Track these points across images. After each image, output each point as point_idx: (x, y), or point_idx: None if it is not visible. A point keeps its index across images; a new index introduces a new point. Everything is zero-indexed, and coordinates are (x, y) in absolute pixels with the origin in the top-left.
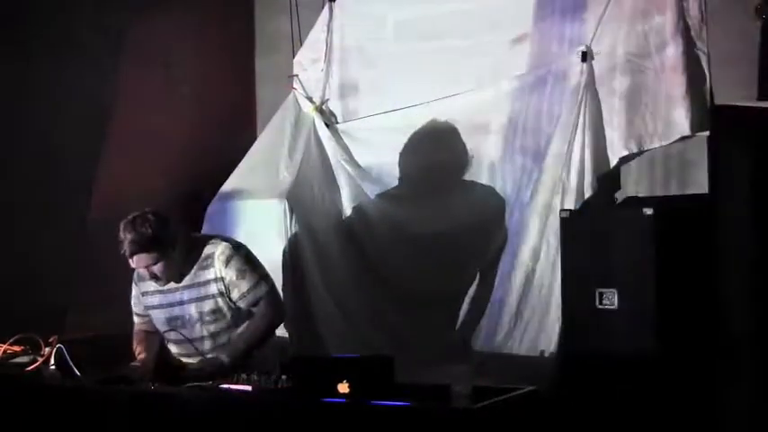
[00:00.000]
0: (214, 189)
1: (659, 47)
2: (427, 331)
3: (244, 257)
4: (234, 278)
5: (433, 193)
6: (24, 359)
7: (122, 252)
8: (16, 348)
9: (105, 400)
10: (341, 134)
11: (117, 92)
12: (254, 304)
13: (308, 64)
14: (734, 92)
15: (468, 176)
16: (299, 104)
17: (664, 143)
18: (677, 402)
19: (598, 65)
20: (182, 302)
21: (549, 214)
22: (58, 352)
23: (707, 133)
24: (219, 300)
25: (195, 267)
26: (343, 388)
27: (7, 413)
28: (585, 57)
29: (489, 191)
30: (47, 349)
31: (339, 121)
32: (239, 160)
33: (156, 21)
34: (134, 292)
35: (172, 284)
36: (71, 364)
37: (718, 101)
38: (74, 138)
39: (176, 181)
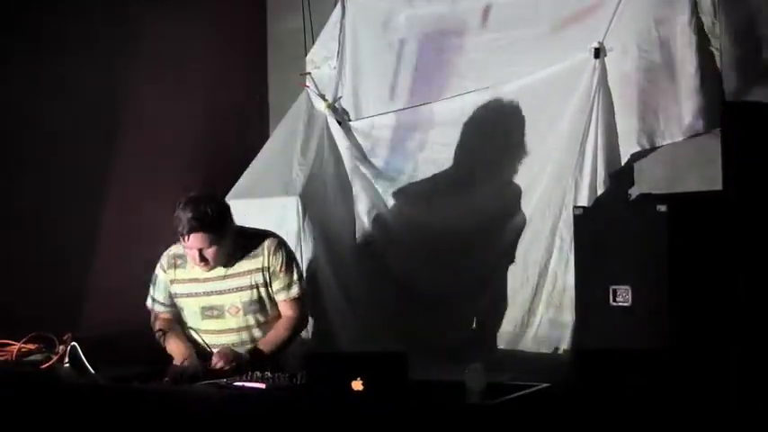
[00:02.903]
0: (227, 187)
1: (672, 43)
2: (441, 328)
3: (289, 251)
4: (277, 268)
5: (448, 191)
6: (38, 357)
7: (178, 229)
8: (30, 346)
9: (120, 398)
10: (354, 132)
11: (129, 88)
12: (289, 299)
13: (320, 61)
14: (747, 88)
15: (481, 174)
16: (311, 102)
17: (677, 139)
18: (691, 399)
19: (611, 61)
20: (221, 292)
21: (562, 211)
22: (73, 350)
23: (720, 129)
24: (262, 290)
25: (241, 257)
26: (357, 385)
27: (22, 411)
28: (598, 53)
29: (504, 187)
30: (61, 347)
31: (352, 118)
32: (252, 158)
33: (168, 18)
34: (161, 277)
35: (210, 273)
36: (85, 361)
37: (732, 97)
38: (85, 134)
39: (188, 178)
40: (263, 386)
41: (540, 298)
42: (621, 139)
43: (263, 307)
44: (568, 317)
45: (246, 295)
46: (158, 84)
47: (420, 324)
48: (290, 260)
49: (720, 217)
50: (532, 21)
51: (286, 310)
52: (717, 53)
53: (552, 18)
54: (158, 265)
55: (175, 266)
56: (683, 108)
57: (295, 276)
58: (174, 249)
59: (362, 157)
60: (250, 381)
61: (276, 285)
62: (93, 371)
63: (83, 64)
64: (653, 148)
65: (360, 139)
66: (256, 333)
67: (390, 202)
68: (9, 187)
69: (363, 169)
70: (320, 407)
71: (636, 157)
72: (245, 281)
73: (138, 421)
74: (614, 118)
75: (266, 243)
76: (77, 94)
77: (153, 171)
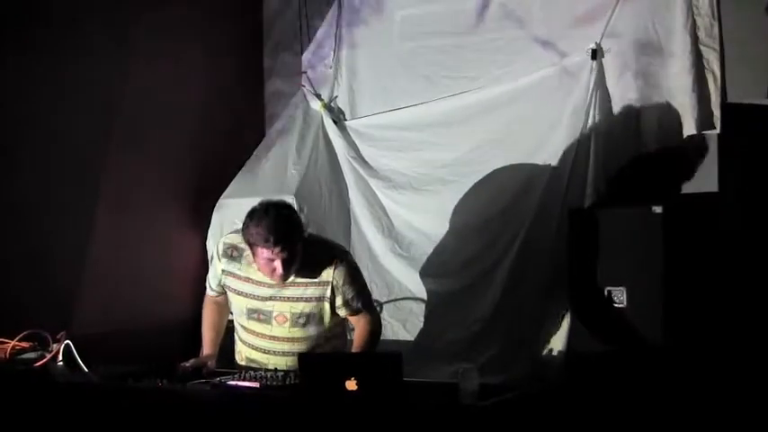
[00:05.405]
0: (222, 186)
1: (669, 44)
2: (436, 328)
3: (353, 262)
4: (341, 282)
5: (443, 191)
6: (32, 355)
7: (259, 239)
8: (24, 344)
9: (113, 396)
10: (349, 131)
11: (124, 86)
12: (355, 312)
13: (316, 61)
14: (744, 89)
15: (478, 175)
16: (307, 101)
17: (673, 141)
18: (686, 401)
19: (608, 63)
20: (272, 298)
21: (558, 212)
22: (66, 348)
23: (717, 131)
24: (318, 304)
25: (300, 267)
26: (351, 385)
27: (15, 409)
28: (596, 54)
29: (500, 188)
30: (55, 345)
31: (347, 118)
32: (248, 157)
33: (164, 15)
34: (215, 263)
35: (265, 277)
36: (79, 359)
37: (728, 98)
38: (80, 134)
39: (184, 177)
40: (256, 385)
41: (536, 298)
42: (618, 141)
43: (314, 321)
44: (565, 318)
45: (298, 307)
46: (155, 83)
47: (416, 324)
48: (353, 272)
49: (716, 218)
50: (529, 21)
51: (359, 322)
52: (714, 53)
53: (549, 18)
54: (214, 250)
55: (230, 257)
56: (680, 110)
57: (361, 286)
58: (233, 239)
59: (358, 156)
60: (244, 380)
61: (339, 300)
62: (86, 369)
63: (80, 64)
64: (650, 150)
65: (355, 139)
66: (300, 346)
67: (386, 201)
68: (4, 186)
69: (359, 168)
70: (314, 406)
71: (632, 159)
72: (300, 291)
73: (131, 420)
74: (611, 119)
75: (327, 255)
76: (72, 94)
77: (149, 171)
